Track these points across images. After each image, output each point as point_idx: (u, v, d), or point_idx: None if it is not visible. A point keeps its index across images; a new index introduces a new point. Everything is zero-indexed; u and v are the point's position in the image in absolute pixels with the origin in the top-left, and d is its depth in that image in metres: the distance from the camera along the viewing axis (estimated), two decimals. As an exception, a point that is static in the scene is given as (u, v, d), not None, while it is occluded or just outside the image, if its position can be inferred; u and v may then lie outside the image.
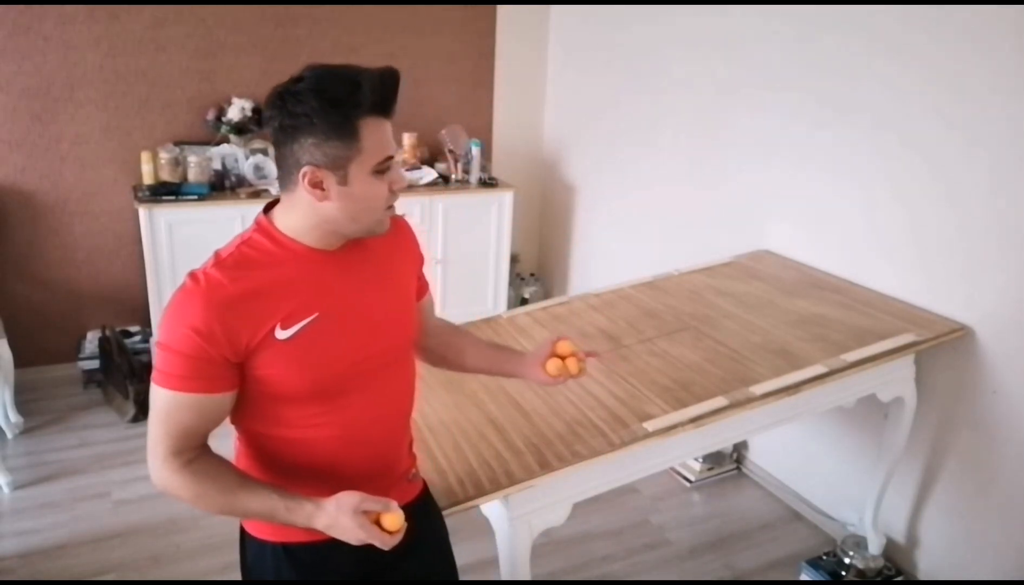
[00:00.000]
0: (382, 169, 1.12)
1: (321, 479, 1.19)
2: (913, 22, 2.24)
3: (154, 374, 1.11)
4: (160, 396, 1.10)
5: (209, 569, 2.42)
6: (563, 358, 1.37)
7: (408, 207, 3.46)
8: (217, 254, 1.15)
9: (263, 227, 1.17)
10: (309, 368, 1.14)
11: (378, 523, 1.09)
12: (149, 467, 1.14)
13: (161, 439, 1.12)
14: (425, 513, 1.39)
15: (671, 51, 3.23)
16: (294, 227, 1.15)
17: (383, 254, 1.26)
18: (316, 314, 1.14)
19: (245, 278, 1.11)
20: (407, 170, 3.65)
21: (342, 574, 1.25)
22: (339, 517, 1.07)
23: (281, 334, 1.11)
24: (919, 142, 2.27)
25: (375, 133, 1.10)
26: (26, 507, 2.66)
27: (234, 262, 1.13)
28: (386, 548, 1.07)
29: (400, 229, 1.33)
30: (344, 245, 1.20)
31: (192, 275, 1.11)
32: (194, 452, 1.14)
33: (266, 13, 3.44)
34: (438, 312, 1.52)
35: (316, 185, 1.10)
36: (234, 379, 1.12)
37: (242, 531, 1.32)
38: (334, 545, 1.12)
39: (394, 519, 1.09)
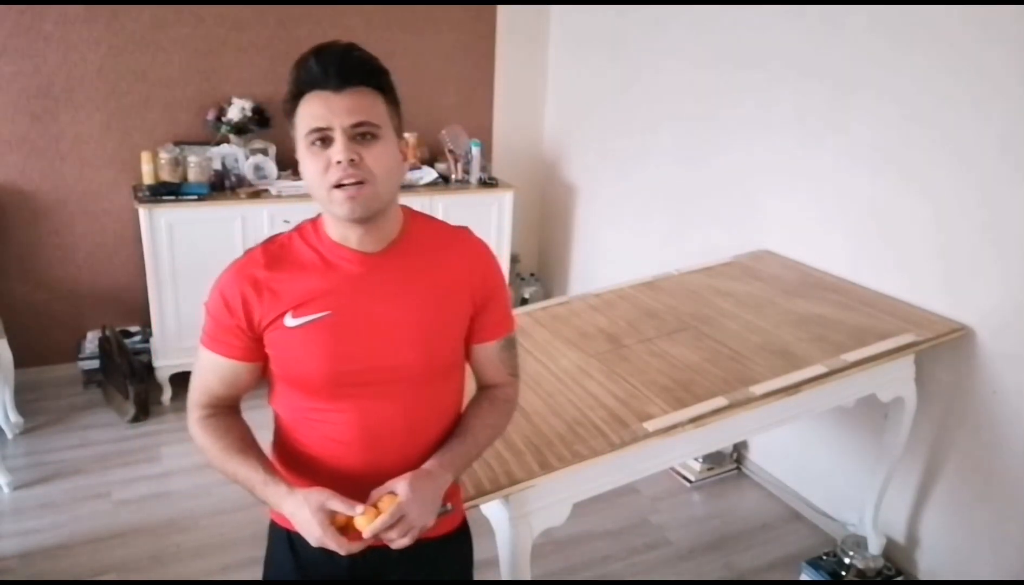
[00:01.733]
0: (312, 141, 1.09)
1: (318, 475, 1.21)
2: (916, 18, 2.24)
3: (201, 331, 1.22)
4: (198, 349, 1.22)
5: (209, 569, 2.42)
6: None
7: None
8: (274, 236, 1.22)
9: (316, 222, 1.21)
10: (309, 360, 1.16)
11: (349, 525, 1.09)
12: None
13: (190, 389, 1.24)
14: (446, 553, 1.32)
15: (671, 51, 3.23)
16: (327, 217, 1.18)
17: (431, 269, 1.21)
18: (328, 312, 1.15)
19: (278, 263, 1.17)
20: (407, 170, 3.65)
21: (335, 576, 1.25)
22: (302, 509, 1.09)
23: (290, 322, 1.15)
24: (919, 142, 2.27)
25: (309, 105, 1.09)
26: (26, 507, 2.66)
27: (278, 247, 1.19)
28: (342, 553, 1.08)
29: (468, 250, 1.27)
30: (386, 250, 1.18)
31: (247, 250, 1.20)
32: (213, 409, 1.23)
33: (266, 13, 3.44)
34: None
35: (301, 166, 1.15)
36: (250, 351, 1.18)
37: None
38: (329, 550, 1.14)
39: (364, 522, 1.07)
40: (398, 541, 1.10)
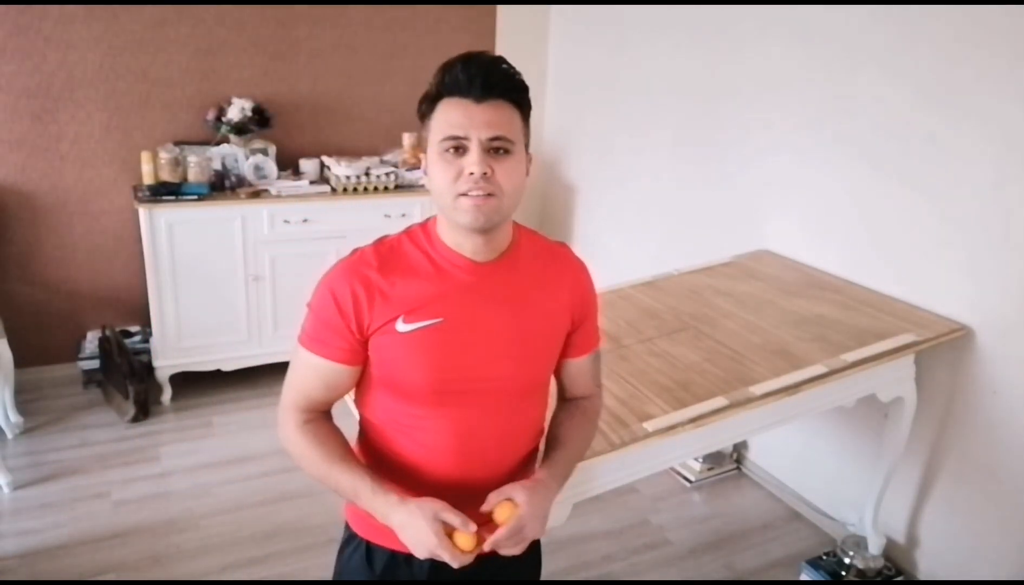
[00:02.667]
0: (446, 147, 1.09)
1: (407, 481, 1.21)
2: (915, 19, 2.24)
3: (299, 331, 1.21)
4: (295, 351, 1.21)
5: (209, 569, 2.42)
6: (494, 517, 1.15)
7: (408, 207, 3.46)
8: (383, 237, 1.22)
9: (426, 226, 1.21)
10: (416, 367, 1.16)
11: (452, 539, 1.09)
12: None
13: (287, 392, 1.22)
14: (506, 571, 1.28)
15: (671, 50, 3.23)
16: (442, 223, 1.18)
17: (536, 284, 1.22)
18: (441, 319, 1.15)
19: (389, 266, 1.16)
20: (407, 170, 3.64)
21: (413, 578, 1.26)
22: (416, 518, 1.09)
23: (402, 327, 1.14)
24: (919, 142, 2.27)
25: (447, 112, 1.10)
26: (26, 507, 2.66)
27: (388, 249, 1.19)
28: (455, 565, 1.08)
29: (570, 268, 1.28)
30: (496, 261, 1.18)
31: (354, 249, 1.19)
32: (311, 414, 1.22)
33: (266, 13, 3.44)
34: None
35: (424, 166, 1.16)
36: (354, 353, 1.17)
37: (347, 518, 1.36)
38: (409, 560, 1.18)
39: (468, 539, 1.08)
40: (512, 549, 1.11)
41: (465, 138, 1.08)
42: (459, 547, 1.08)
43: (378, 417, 1.25)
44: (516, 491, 1.14)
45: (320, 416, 1.23)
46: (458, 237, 1.16)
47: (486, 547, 1.10)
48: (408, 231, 1.22)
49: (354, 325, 1.15)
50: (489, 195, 1.09)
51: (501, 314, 1.18)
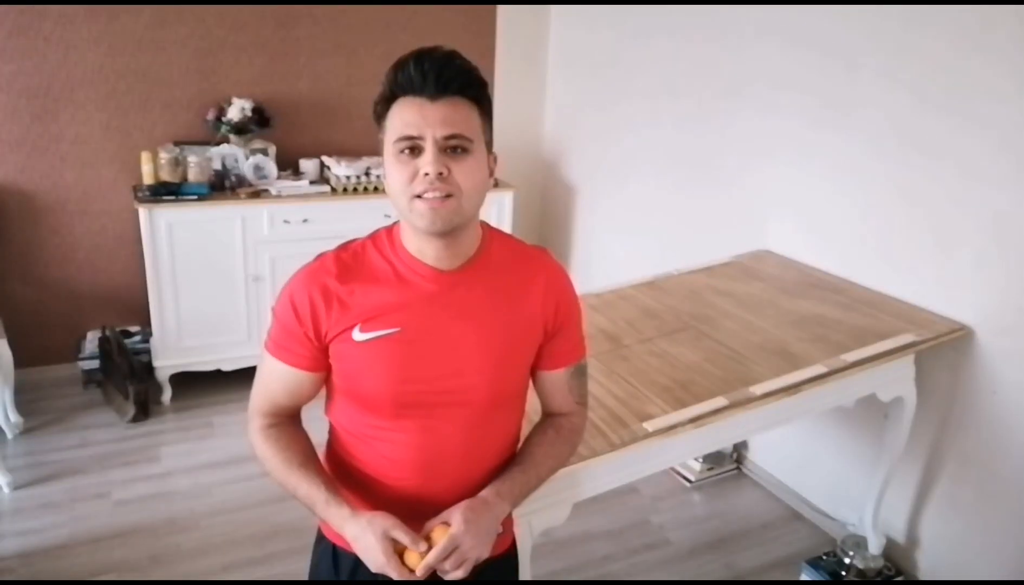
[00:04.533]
0: (401, 148, 1.05)
1: (369, 492, 1.20)
2: (914, 20, 2.24)
3: (265, 336, 1.20)
4: (262, 356, 1.20)
5: (209, 569, 2.42)
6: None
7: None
8: (348, 242, 1.19)
9: (392, 231, 1.18)
10: (373, 377, 1.14)
11: (403, 556, 1.07)
12: None
13: (252, 396, 1.22)
14: (492, 574, 1.26)
15: (671, 51, 3.23)
16: (404, 229, 1.15)
17: (506, 292, 1.17)
18: (398, 329, 1.12)
19: (349, 273, 1.14)
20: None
21: None
22: (366, 534, 1.07)
23: (358, 336, 1.12)
24: (919, 142, 2.27)
25: (402, 111, 1.06)
26: (26, 507, 2.66)
27: (351, 255, 1.16)
28: (402, 579, 1.06)
29: (545, 275, 1.22)
30: (462, 268, 1.14)
31: (319, 254, 1.17)
32: (275, 418, 1.21)
33: (266, 13, 3.44)
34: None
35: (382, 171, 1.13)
36: (315, 360, 1.16)
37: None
38: None
39: (417, 558, 1.06)
40: (452, 573, 1.07)
41: (419, 137, 1.04)
42: (408, 565, 1.06)
43: (342, 425, 1.23)
44: (453, 513, 1.10)
45: (285, 420, 1.21)
46: (419, 243, 1.12)
47: (418, 573, 1.05)
48: (374, 236, 1.18)
49: (312, 333, 1.13)
50: (447, 196, 1.05)
51: (466, 326, 1.14)
